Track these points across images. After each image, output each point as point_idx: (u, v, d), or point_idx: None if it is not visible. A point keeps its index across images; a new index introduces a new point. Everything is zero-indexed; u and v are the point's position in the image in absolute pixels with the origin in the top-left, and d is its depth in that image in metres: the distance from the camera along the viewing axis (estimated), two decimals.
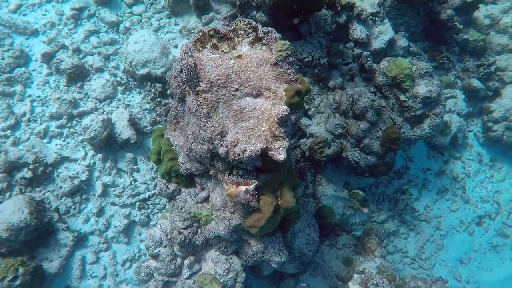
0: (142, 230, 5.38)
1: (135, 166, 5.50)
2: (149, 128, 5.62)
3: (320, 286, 5.14)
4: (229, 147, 3.20)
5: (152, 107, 5.71)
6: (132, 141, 5.35)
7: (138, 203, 5.37)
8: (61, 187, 5.17)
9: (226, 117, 3.28)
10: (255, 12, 5.56)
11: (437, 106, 5.09)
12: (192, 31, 6.01)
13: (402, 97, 5.10)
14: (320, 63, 5.41)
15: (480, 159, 6.66)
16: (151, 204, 5.44)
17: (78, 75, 5.67)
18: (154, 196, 5.48)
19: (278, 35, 3.42)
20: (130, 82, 5.84)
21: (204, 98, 3.18)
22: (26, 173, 5.03)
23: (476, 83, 6.52)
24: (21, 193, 4.97)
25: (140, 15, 6.28)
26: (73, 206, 5.18)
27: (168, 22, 6.29)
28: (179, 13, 6.28)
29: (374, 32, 6.03)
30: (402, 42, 6.27)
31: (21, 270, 4.35)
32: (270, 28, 3.42)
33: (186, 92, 3.54)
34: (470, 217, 6.31)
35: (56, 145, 5.35)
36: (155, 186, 5.52)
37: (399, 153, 6.24)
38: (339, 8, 5.83)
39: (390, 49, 6.27)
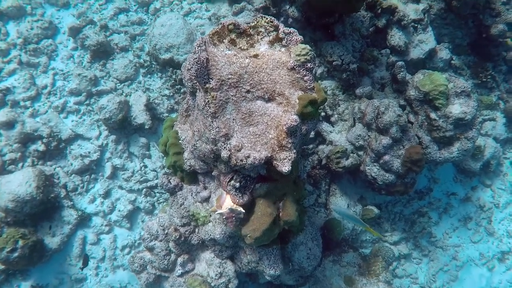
0: (146, 218, 5.32)
1: (147, 152, 5.42)
2: (165, 114, 5.50)
3: None
4: (233, 151, 3.01)
5: (171, 94, 5.59)
6: (147, 127, 5.26)
7: (145, 190, 5.30)
8: (71, 164, 5.18)
9: (233, 119, 3.08)
10: (287, 7, 5.28)
11: (471, 129, 4.66)
12: (221, 19, 5.81)
13: (432, 115, 4.70)
14: (349, 68, 5.08)
15: None
16: (157, 192, 5.36)
17: (102, 53, 5.61)
18: None
19: (300, 37, 3.16)
20: (153, 66, 5.73)
21: (213, 97, 3.00)
22: (40, 146, 5.06)
23: None
24: (32, 165, 5.01)
25: None
26: (81, 185, 5.19)
27: (199, 7, 6.11)
28: None
29: (414, 40, 5.60)
30: (443, 53, 5.79)
31: (20, 242, 4.39)
32: (292, 29, 3.16)
33: (197, 87, 3.36)
34: (492, 251, 5.83)
35: (72, 121, 5.34)
36: None
37: (424, 173, 5.83)
38: (379, 11, 5.44)
39: (429, 60, 5.82)
